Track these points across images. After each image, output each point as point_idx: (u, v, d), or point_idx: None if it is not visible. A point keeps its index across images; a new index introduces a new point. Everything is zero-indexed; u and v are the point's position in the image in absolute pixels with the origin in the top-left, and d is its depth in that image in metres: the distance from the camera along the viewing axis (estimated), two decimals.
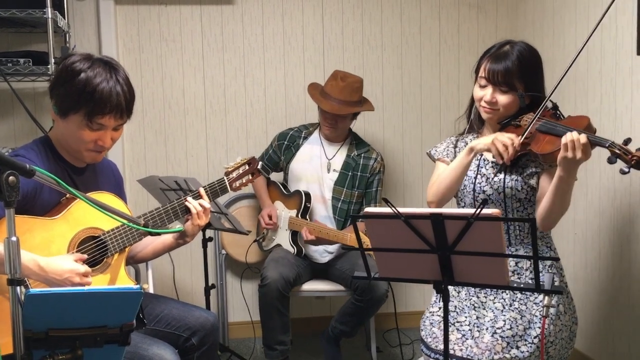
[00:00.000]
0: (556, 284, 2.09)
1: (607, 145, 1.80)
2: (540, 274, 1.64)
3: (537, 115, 1.98)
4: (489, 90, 2.07)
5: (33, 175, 1.42)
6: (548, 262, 2.10)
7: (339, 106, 3.02)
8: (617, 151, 1.78)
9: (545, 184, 2.05)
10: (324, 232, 2.95)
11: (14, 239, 1.33)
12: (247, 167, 2.27)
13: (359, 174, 3.12)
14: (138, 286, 1.40)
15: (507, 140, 1.98)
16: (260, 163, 2.30)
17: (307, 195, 3.10)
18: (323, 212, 3.14)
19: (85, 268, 1.80)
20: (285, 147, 3.22)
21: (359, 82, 3.09)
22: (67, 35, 3.26)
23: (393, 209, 1.59)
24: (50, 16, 2.86)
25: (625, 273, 2.68)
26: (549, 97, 2.00)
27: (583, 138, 1.82)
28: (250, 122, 3.57)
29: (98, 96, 1.83)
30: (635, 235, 2.62)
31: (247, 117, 3.56)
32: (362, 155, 3.15)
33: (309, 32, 3.56)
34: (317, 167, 3.15)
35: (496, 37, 3.63)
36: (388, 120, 3.67)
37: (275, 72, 3.56)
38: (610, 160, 1.80)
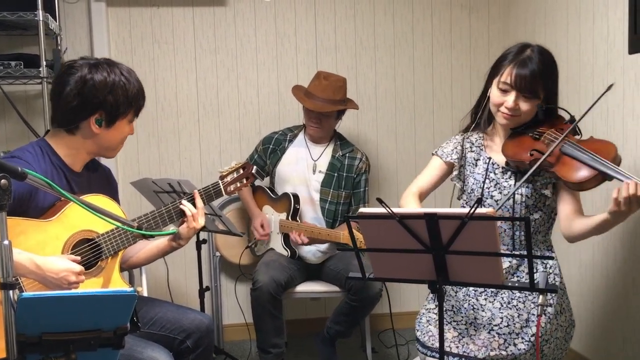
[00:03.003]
0: (557, 284, 2.09)
1: None
2: (536, 273, 1.65)
3: (563, 137, 1.93)
4: (511, 97, 2.00)
5: (25, 178, 1.41)
6: (550, 263, 2.10)
7: (323, 104, 3.03)
8: None
9: (565, 195, 2.03)
10: (316, 233, 2.95)
11: (5, 242, 1.32)
12: (241, 171, 2.28)
13: (344, 174, 3.12)
14: (132, 289, 1.39)
15: None
16: (254, 167, 2.30)
17: (296, 197, 3.09)
18: (312, 213, 3.13)
19: (80, 267, 1.80)
20: (271, 150, 3.20)
21: (341, 81, 3.10)
22: (59, 37, 3.24)
23: (387, 209, 1.59)
24: (41, 18, 2.84)
25: (619, 271, 2.69)
26: (579, 120, 1.95)
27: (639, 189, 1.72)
28: (243, 124, 3.56)
29: (140, 92, 2.03)
30: (629, 235, 2.62)
31: (240, 118, 3.56)
32: (347, 155, 3.14)
33: (301, 33, 3.56)
34: (303, 169, 3.14)
35: (488, 38, 3.65)
36: (381, 120, 3.67)
37: (268, 74, 3.55)
38: None
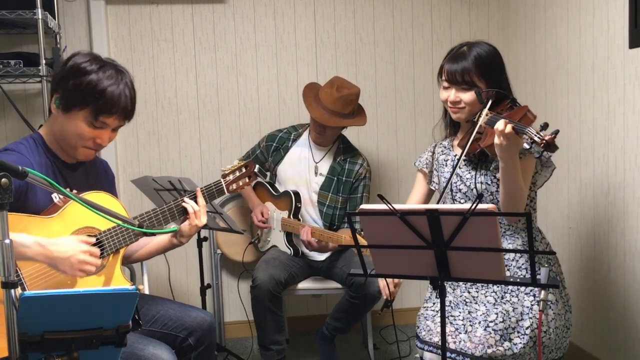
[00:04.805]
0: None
1: (525, 130, 1.84)
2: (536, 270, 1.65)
3: (483, 110, 2.00)
4: (452, 91, 2.12)
5: (25, 177, 1.41)
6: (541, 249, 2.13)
7: (328, 117, 2.96)
8: (534, 136, 1.80)
9: None
10: (317, 234, 2.93)
11: (7, 241, 1.32)
12: (243, 170, 2.28)
13: (343, 178, 3.09)
14: (134, 287, 1.39)
15: None
16: (257, 166, 2.30)
17: (297, 195, 3.07)
18: (312, 214, 3.13)
19: (89, 247, 1.80)
20: (274, 149, 3.18)
21: (354, 95, 2.99)
22: (58, 36, 3.24)
23: (389, 205, 1.59)
24: (40, 17, 2.84)
25: (620, 266, 2.69)
26: (491, 92, 2.03)
27: (507, 127, 1.86)
28: (243, 121, 3.56)
29: (109, 97, 1.91)
30: (629, 228, 2.62)
31: (240, 116, 3.55)
32: (348, 159, 3.11)
33: (301, 29, 3.56)
34: (305, 169, 3.13)
35: (488, 32, 3.64)
36: (382, 116, 3.67)
37: (267, 71, 3.55)
38: (529, 149, 1.83)
